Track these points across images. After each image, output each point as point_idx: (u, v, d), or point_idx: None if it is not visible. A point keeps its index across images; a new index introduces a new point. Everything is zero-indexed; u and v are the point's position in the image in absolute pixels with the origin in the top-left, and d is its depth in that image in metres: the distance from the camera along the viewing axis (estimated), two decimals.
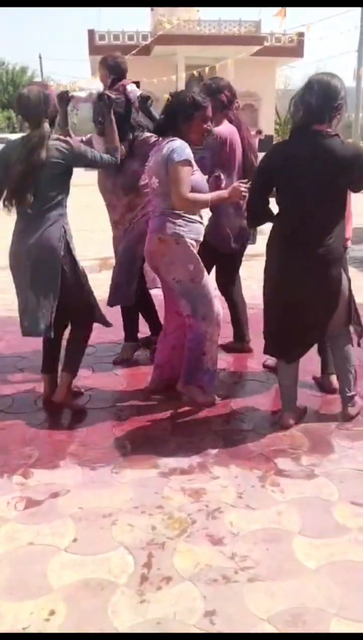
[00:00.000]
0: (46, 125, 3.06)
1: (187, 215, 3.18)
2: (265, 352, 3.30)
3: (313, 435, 3.08)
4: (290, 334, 3.10)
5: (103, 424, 3.22)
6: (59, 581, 2.08)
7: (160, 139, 3.27)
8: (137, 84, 3.88)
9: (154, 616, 1.92)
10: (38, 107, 3.04)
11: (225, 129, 3.81)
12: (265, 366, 3.95)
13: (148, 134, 3.76)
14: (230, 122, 3.91)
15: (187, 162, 3.06)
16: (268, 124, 29.18)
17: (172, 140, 3.13)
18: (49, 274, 3.12)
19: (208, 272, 3.50)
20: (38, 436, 3.10)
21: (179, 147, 3.07)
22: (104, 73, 3.91)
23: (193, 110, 3.17)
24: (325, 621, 1.89)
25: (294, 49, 30.72)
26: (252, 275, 6.06)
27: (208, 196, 3.22)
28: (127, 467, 2.79)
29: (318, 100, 2.84)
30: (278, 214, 3.05)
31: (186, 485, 2.64)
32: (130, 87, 3.82)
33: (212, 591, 2.02)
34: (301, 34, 29.41)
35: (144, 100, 3.76)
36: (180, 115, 3.16)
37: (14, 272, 3.22)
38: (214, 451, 2.93)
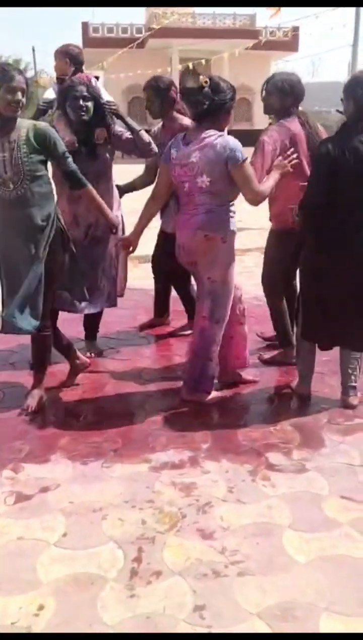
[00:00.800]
0: None
1: (232, 210, 3.20)
2: (306, 338, 3.39)
3: (304, 430, 3.08)
4: (336, 320, 3.23)
5: (94, 419, 3.21)
6: (49, 576, 2.07)
7: (189, 131, 3.26)
8: (97, 78, 3.87)
9: (144, 611, 1.91)
10: None
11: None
12: (262, 360, 3.94)
13: (120, 129, 3.75)
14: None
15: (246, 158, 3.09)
16: (262, 117, 29.17)
17: (219, 136, 3.08)
18: None
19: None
20: (29, 431, 3.09)
21: (237, 145, 3.06)
22: (65, 62, 3.88)
23: (233, 102, 3.19)
24: (315, 615, 1.89)
25: (289, 43, 30.72)
26: (242, 270, 6.07)
27: (271, 181, 3.24)
28: (117, 462, 2.78)
29: None
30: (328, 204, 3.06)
31: (177, 480, 2.64)
32: (94, 82, 3.75)
33: (201, 586, 2.02)
34: (296, 29, 29.42)
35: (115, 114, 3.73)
36: (225, 107, 3.14)
37: None
38: (205, 446, 2.93)
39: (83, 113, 3.55)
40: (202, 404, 3.35)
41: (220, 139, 3.06)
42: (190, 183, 3.13)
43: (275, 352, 4.00)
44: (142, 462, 2.78)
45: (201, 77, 3.14)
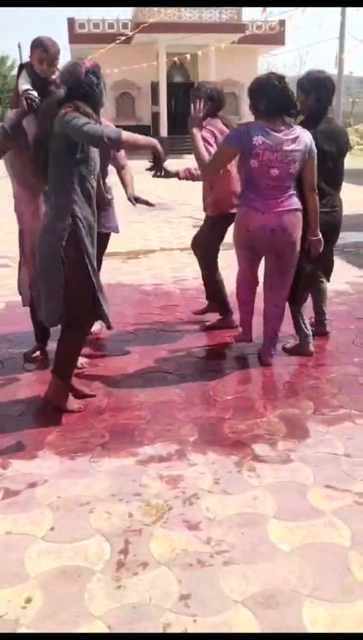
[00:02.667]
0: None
1: None
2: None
3: (289, 421, 3.12)
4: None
5: (81, 414, 3.23)
6: (36, 569, 2.10)
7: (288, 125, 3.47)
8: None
9: (130, 601, 1.95)
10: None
11: None
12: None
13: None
14: None
15: None
16: (249, 111, 29.13)
17: (303, 130, 3.50)
18: None
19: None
20: (16, 426, 3.11)
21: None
22: (44, 58, 3.47)
23: None
24: (298, 602, 1.93)
25: (275, 36, 30.73)
26: (231, 264, 6.07)
27: None
28: (105, 456, 2.81)
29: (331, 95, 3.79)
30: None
31: (164, 473, 2.67)
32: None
33: (187, 575, 2.05)
34: (282, 22, 29.39)
35: None
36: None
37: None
38: (192, 438, 2.96)
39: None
40: (188, 398, 3.38)
41: (305, 133, 3.51)
42: (281, 169, 3.45)
43: (215, 320, 4.55)
44: (129, 456, 2.81)
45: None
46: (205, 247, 4.44)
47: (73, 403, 3.28)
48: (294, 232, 3.57)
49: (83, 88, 2.94)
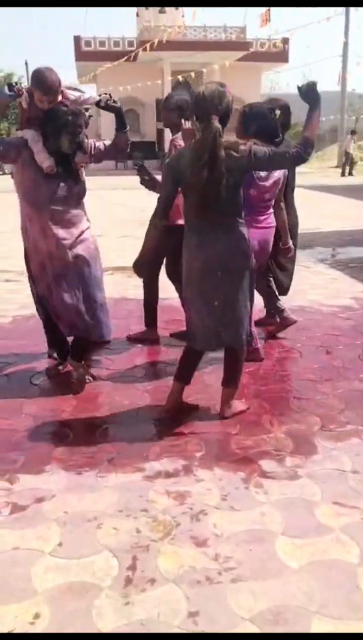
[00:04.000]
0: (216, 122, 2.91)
1: None
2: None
3: (296, 437, 3.11)
4: None
5: (88, 429, 3.24)
6: (44, 584, 2.09)
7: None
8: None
9: (138, 617, 1.94)
10: (211, 101, 2.93)
11: None
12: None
13: (97, 143, 3.71)
14: None
15: None
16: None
17: None
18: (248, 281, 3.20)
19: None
20: (23, 441, 3.11)
21: None
22: (44, 99, 3.41)
23: None
24: (306, 619, 1.92)
25: (279, 54, 31.03)
26: None
27: None
28: (112, 472, 2.81)
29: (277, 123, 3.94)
30: None
31: (171, 488, 2.67)
32: (76, 93, 3.65)
33: (195, 592, 2.05)
34: (286, 40, 29.71)
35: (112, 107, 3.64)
36: None
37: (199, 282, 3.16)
38: (199, 454, 2.96)
39: (74, 145, 3.46)
40: (194, 413, 3.39)
41: None
42: (271, 193, 3.95)
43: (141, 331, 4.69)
44: (136, 472, 2.81)
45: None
46: (152, 256, 4.55)
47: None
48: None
49: (230, 115, 3.04)
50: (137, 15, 32.10)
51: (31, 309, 4.35)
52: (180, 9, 30.30)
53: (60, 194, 3.49)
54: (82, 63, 30.07)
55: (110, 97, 3.63)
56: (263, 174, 3.78)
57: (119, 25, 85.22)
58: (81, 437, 3.15)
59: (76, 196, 3.59)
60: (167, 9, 29.75)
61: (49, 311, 3.70)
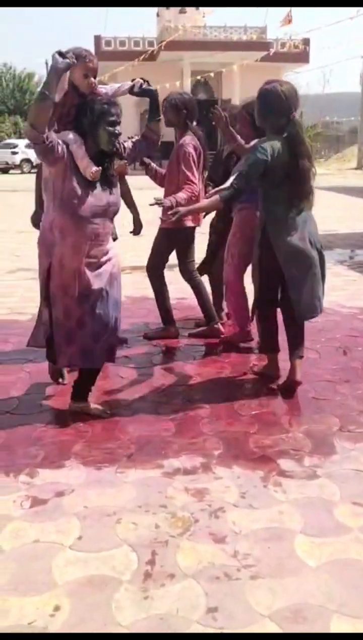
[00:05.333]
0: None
1: None
2: None
3: (315, 437, 3.11)
4: None
5: (107, 425, 3.26)
6: (64, 577, 2.11)
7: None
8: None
9: (157, 612, 1.95)
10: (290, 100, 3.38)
11: None
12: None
13: (127, 142, 3.39)
14: None
15: None
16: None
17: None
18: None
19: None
20: (43, 436, 3.14)
21: None
22: (89, 70, 3.16)
23: None
24: (325, 617, 1.92)
25: (300, 54, 30.90)
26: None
27: None
28: (131, 467, 2.83)
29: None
30: None
31: (189, 485, 2.68)
32: (108, 87, 3.39)
33: (214, 588, 2.06)
34: (306, 40, 29.60)
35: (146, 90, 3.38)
36: None
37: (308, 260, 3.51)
38: (217, 452, 2.97)
39: (113, 139, 3.08)
40: (213, 411, 3.40)
41: None
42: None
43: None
44: (155, 468, 2.83)
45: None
46: (159, 256, 4.66)
47: None
48: None
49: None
50: (158, 15, 32.18)
51: None
52: (201, 8, 30.33)
53: (100, 206, 3.11)
54: (102, 63, 29.99)
55: (145, 80, 3.35)
56: None
57: (140, 25, 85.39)
58: (100, 433, 3.17)
59: (113, 209, 3.22)
60: (187, 9, 29.77)
61: (56, 337, 3.24)
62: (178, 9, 29.97)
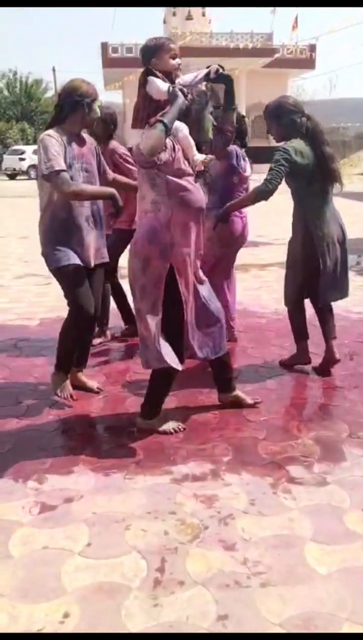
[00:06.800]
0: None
1: None
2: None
3: (324, 444, 3.10)
4: None
5: (115, 432, 3.26)
6: (73, 584, 2.11)
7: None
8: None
9: (167, 619, 1.94)
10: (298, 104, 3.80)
11: None
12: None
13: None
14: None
15: None
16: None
17: None
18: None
19: None
20: (52, 443, 3.14)
21: None
22: (175, 50, 3.07)
23: None
24: (336, 625, 1.90)
25: (306, 60, 30.97)
26: (262, 285, 6.11)
27: None
28: (140, 474, 2.82)
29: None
30: None
31: (198, 492, 2.67)
32: (187, 76, 3.14)
33: (224, 595, 2.05)
34: (312, 46, 29.68)
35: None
36: None
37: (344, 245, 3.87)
38: (226, 459, 2.96)
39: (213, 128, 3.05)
40: (222, 418, 3.39)
41: None
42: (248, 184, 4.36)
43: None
44: (164, 474, 2.82)
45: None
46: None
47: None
48: None
49: None
50: (164, 22, 32.33)
51: (58, 312, 4.38)
52: (207, 15, 30.45)
53: (201, 199, 3.04)
54: (109, 70, 30.32)
55: (220, 66, 3.18)
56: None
57: (146, 33, 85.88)
58: (108, 440, 3.17)
59: (203, 220, 3.12)
60: (194, 15, 29.89)
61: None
62: (185, 15, 30.10)
